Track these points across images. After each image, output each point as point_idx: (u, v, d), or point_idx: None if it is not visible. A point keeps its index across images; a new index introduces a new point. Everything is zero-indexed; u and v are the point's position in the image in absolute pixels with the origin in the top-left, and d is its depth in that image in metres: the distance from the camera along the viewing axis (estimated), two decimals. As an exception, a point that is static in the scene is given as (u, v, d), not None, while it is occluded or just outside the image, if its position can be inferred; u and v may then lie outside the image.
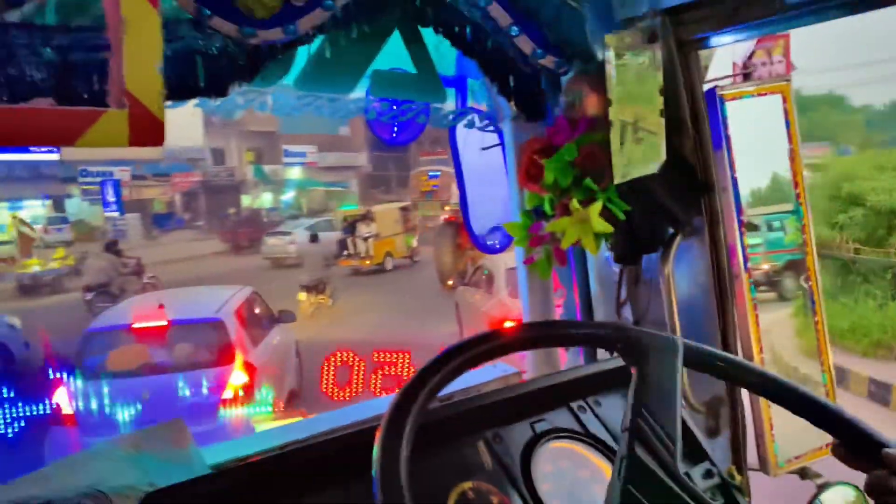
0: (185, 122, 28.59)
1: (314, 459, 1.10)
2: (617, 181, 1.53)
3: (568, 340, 1.07)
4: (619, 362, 1.38)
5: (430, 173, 25.13)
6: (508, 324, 8.74)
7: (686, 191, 1.63)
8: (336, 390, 7.39)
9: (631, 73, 1.55)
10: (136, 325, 7.46)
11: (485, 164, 2.23)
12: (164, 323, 7.42)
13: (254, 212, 37.00)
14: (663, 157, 1.56)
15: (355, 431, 1.13)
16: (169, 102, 1.30)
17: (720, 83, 1.66)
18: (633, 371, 0.96)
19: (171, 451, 1.31)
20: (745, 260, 1.66)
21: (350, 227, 21.52)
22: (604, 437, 1.26)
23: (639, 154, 1.54)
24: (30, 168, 28.46)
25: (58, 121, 0.91)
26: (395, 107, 1.93)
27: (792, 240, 1.82)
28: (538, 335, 1.03)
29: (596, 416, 1.29)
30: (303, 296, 14.07)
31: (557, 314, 2.08)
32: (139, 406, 6.46)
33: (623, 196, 1.57)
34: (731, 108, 1.64)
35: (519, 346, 0.99)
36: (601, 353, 1.72)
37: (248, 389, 6.98)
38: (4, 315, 11.90)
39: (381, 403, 1.93)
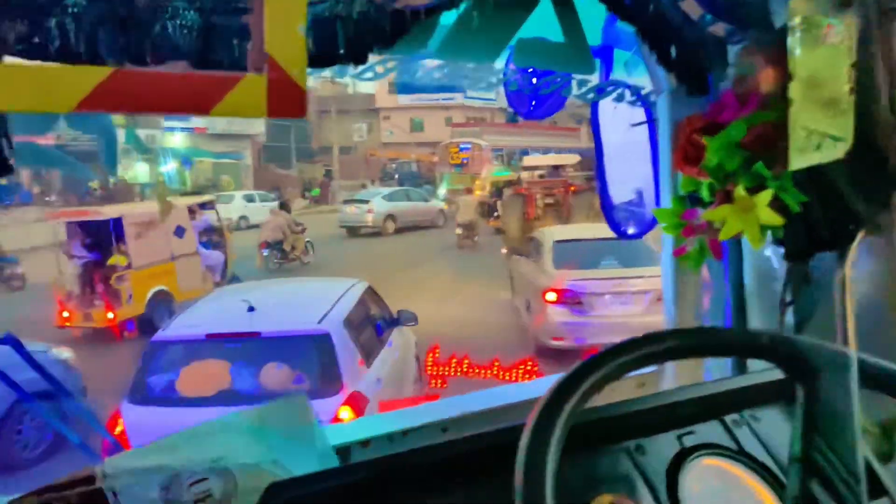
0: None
1: (452, 458, 1.04)
2: (793, 167, 1.34)
3: (718, 351, 0.93)
4: (777, 374, 1.21)
5: (461, 146, 24.63)
6: (550, 295, 9.16)
7: (874, 181, 1.41)
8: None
9: (818, 43, 1.34)
10: (214, 334, 5.67)
11: (629, 142, 2.06)
12: (251, 333, 5.53)
13: (125, 186, 29.69)
14: (850, 141, 1.36)
15: (499, 430, 1.04)
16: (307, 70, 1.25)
17: (926, 56, 1.42)
18: (800, 391, 0.82)
19: (295, 427, 1.29)
20: (941, 265, 1.42)
21: (498, 192, 22.38)
22: (762, 457, 1.11)
23: (822, 137, 1.34)
24: None
25: (192, 86, 0.83)
26: (535, 79, 1.80)
27: None
28: (680, 345, 0.88)
29: (753, 432, 1.15)
30: (459, 231, 20.62)
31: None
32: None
33: (798, 185, 1.38)
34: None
35: (660, 357, 0.85)
36: (752, 363, 1.55)
37: (356, 430, 5.24)
38: (50, 348, 7.45)
39: (521, 389, 1.84)
